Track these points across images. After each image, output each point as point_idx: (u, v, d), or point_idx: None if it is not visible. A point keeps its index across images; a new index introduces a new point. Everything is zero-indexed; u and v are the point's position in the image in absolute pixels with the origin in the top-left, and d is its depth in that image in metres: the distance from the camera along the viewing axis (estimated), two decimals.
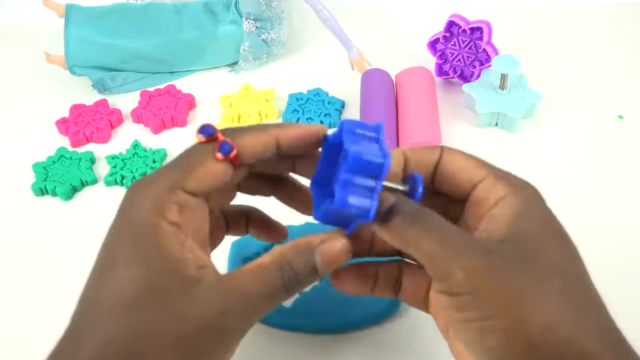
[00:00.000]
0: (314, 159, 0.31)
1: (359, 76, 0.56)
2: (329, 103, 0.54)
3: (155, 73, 0.59)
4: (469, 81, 0.55)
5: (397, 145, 0.49)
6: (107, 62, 0.57)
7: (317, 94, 0.55)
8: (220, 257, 0.39)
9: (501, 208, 0.27)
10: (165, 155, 0.51)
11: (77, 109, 0.54)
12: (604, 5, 0.66)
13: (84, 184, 0.48)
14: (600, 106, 0.54)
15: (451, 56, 0.56)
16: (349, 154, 0.26)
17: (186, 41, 0.58)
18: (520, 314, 0.24)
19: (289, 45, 0.62)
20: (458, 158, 0.29)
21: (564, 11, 0.66)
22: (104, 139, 0.52)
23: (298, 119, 0.53)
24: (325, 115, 0.53)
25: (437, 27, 0.55)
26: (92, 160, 0.50)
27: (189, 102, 0.55)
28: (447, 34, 0.54)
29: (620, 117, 0.53)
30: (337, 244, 0.28)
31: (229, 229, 0.35)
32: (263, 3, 0.58)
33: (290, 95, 0.55)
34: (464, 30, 0.53)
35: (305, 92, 0.55)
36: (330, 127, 0.53)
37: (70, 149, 0.51)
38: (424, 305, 0.31)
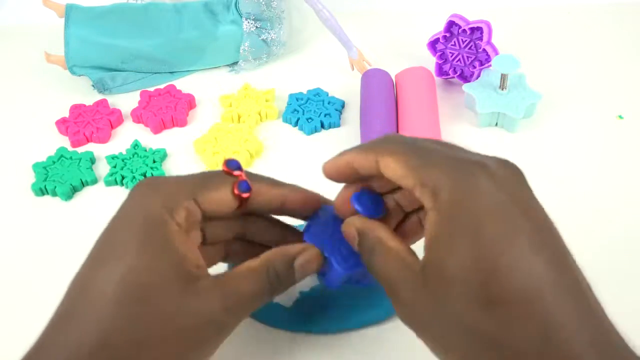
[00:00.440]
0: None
1: (359, 76, 0.56)
2: (329, 103, 0.54)
3: (155, 73, 0.59)
4: (469, 81, 0.55)
5: None
6: (107, 62, 0.57)
7: (317, 94, 0.55)
8: None
9: (426, 226, 0.27)
10: (165, 155, 0.51)
11: (77, 109, 0.54)
12: (604, 5, 0.66)
13: (84, 184, 0.48)
14: (600, 106, 0.54)
15: (451, 56, 0.56)
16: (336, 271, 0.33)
17: (186, 41, 0.58)
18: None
19: (289, 45, 0.62)
20: (391, 165, 0.29)
21: (564, 11, 0.66)
22: (104, 139, 0.52)
23: (298, 119, 0.53)
24: (325, 115, 0.53)
25: (437, 27, 0.55)
26: (92, 160, 0.50)
27: (189, 102, 0.55)
28: (447, 34, 0.54)
29: (620, 117, 0.53)
30: (311, 253, 0.32)
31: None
32: (263, 3, 0.58)
33: (290, 95, 0.55)
34: (464, 30, 0.53)
35: (305, 92, 0.56)
36: (330, 127, 0.53)
37: (70, 149, 0.51)
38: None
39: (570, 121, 0.53)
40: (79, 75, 0.56)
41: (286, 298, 0.38)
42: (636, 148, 0.50)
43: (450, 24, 0.54)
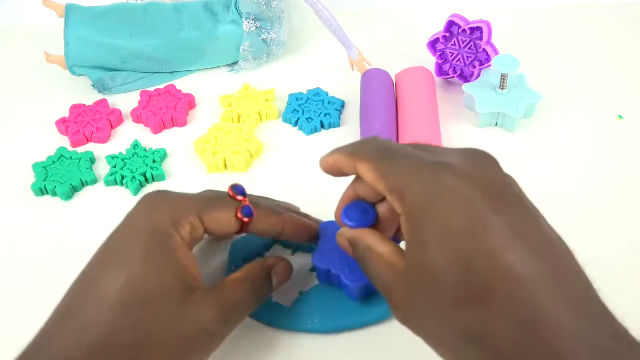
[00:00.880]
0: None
1: (359, 76, 0.56)
2: (329, 103, 0.54)
3: (155, 73, 0.59)
4: (469, 81, 0.55)
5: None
6: (107, 62, 0.57)
7: (317, 94, 0.55)
8: (220, 257, 0.39)
9: (402, 231, 0.28)
10: (165, 155, 0.51)
11: (77, 109, 0.54)
12: (604, 5, 0.66)
13: (84, 184, 0.48)
14: (600, 106, 0.54)
15: (451, 56, 0.56)
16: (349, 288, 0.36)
17: (186, 41, 0.58)
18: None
19: (289, 45, 0.62)
20: (364, 171, 0.30)
21: (564, 11, 0.66)
22: (104, 139, 0.52)
23: (298, 118, 0.53)
24: (325, 115, 0.53)
25: (437, 27, 0.55)
26: (92, 160, 0.50)
27: (189, 102, 0.55)
28: (447, 34, 0.54)
29: (620, 117, 0.53)
30: (283, 265, 0.36)
31: None
32: (263, 3, 0.58)
33: (290, 95, 0.55)
34: (464, 30, 0.53)
35: (305, 92, 0.56)
36: (330, 127, 0.53)
37: (70, 149, 0.51)
38: None
39: (570, 121, 0.53)
40: (79, 75, 0.56)
41: (286, 298, 0.38)
42: (636, 148, 0.50)
43: (450, 24, 0.54)
